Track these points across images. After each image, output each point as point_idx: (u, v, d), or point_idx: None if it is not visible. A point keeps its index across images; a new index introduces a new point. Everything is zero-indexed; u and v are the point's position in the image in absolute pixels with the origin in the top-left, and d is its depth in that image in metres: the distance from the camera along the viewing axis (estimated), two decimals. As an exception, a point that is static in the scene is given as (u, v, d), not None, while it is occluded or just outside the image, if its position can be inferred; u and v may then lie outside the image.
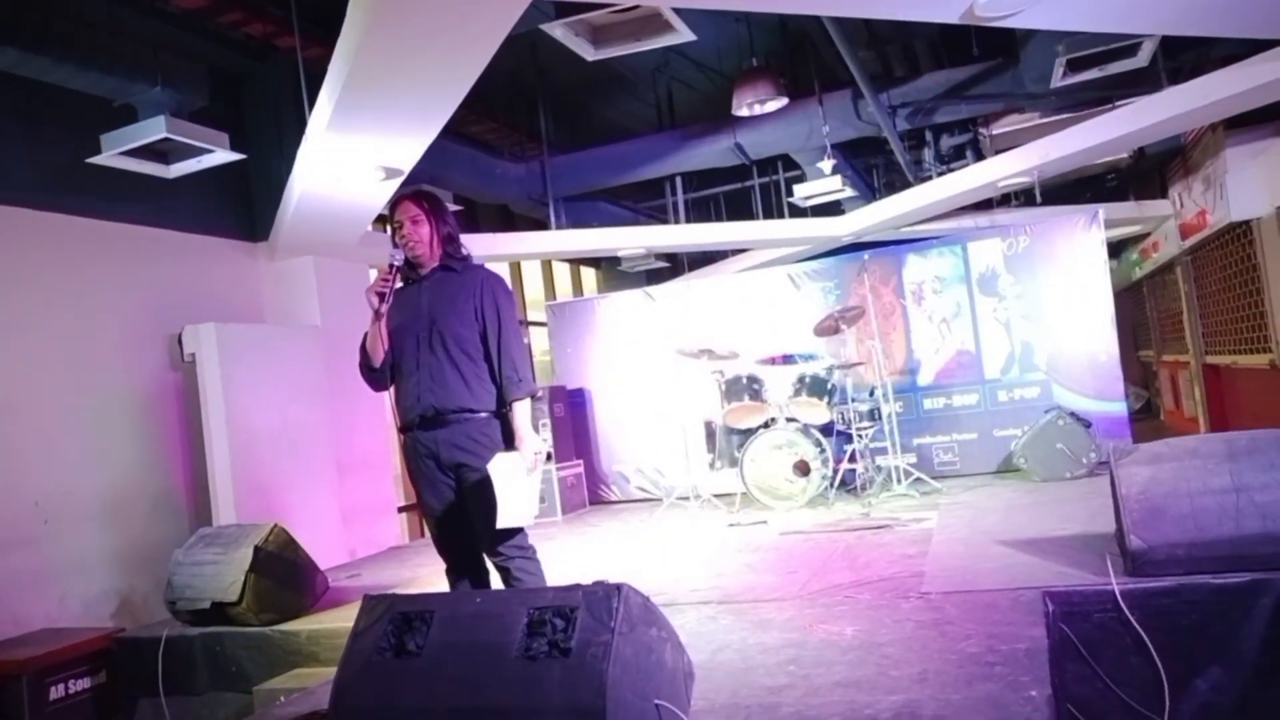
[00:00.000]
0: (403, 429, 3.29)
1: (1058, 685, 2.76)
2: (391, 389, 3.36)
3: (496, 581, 3.33)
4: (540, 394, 7.78)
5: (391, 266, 3.22)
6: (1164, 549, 3.35)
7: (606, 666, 2.15)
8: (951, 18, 4.34)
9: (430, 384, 3.17)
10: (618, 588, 2.28)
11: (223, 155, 5.30)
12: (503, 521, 3.02)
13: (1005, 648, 2.88)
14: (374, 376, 3.34)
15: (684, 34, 4.79)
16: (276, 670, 4.45)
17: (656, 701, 2.29)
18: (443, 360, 3.18)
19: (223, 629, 4.64)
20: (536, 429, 7.43)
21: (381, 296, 3.19)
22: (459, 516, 3.22)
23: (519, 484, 3.07)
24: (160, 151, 5.25)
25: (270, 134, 6.67)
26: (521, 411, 3.21)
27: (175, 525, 6.06)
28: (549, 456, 7.68)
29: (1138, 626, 3.27)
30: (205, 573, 4.66)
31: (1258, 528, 3.24)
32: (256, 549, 4.62)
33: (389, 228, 3.36)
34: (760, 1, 4.25)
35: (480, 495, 3.10)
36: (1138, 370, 13.82)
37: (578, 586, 2.32)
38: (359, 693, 2.35)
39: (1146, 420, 12.83)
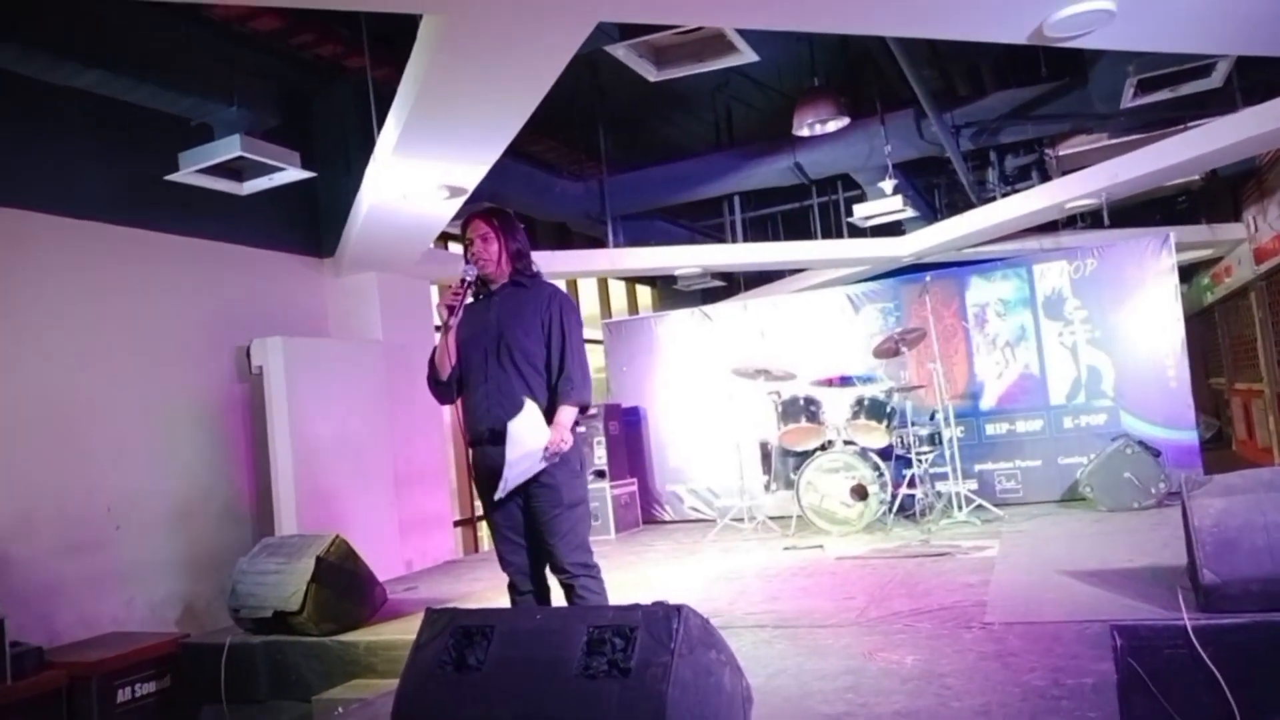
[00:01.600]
0: (472, 443, 3.32)
1: (1127, 722, 2.68)
2: (459, 402, 3.40)
3: (559, 598, 3.35)
4: (595, 411, 7.80)
5: (463, 281, 3.29)
6: (1238, 584, 3.24)
7: (666, 688, 2.14)
8: (1020, 38, 4.29)
9: (499, 397, 3.21)
10: (678, 609, 2.27)
11: (294, 173, 5.44)
12: (508, 480, 3.08)
13: (1071, 682, 2.81)
14: (441, 390, 3.38)
15: (747, 55, 4.80)
16: (335, 680, 4.51)
17: (714, 725, 2.27)
18: (510, 374, 3.22)
19: (284, 638, 4.71)
20: (591, 446, 7.56)
21: (451, 310, 3.24)
22: (524, 531, 3.26)
23: (531, 449, 3.11)
24: (234, 169, 5.40)
25: (338, 152, 6.83)
26: (565, 412, 3.21)
27: (239, 533, 6.20)
28: (602, 474, 7.70)
29: (1210, 663, 3.16)
30: (268, 581, 4.75)
31: (1338, 564, 3.12)
32: (318, 559, 4.70)
33: (462, 244, 3.41)
34: (824, 21, 4.23)
35: (548, 513, 3.14)
36: (1208, 398, 13.40)
37: (637, 606, 2.32)
38: (419, 704, 2.38)
39: (1217, 450, 12.41)
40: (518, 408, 3.16)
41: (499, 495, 3.14)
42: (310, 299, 7.11)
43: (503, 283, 3.37)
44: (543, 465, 3.14)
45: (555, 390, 3.24)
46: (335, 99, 6.94)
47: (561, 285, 10.84)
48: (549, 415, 3.20)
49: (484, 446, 3.26)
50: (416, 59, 4.12)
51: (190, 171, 5.24)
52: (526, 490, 3.20)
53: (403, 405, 7.23)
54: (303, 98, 6.99)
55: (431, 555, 7.33)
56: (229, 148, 5.10)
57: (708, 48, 4.81)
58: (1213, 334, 13.75)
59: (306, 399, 6.31)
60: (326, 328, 7.20)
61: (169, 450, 5.83)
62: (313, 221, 7.16)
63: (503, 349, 3.24)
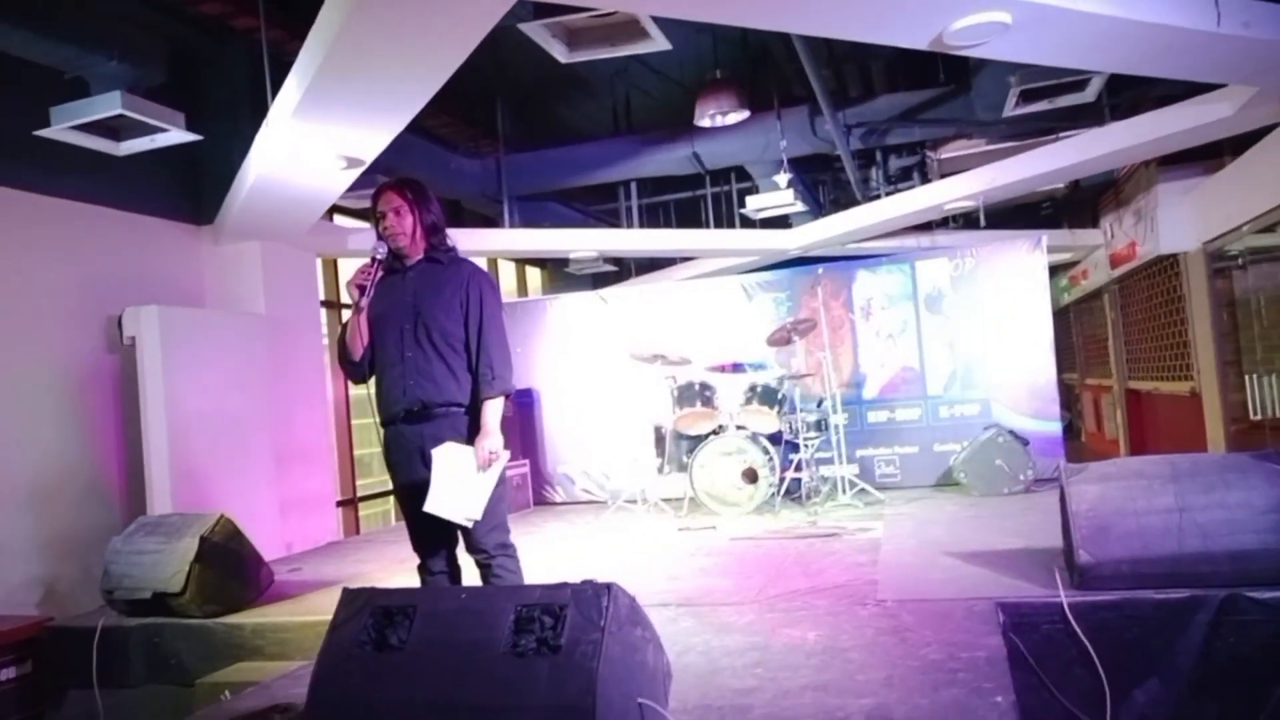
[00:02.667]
0: (386, 422, 3.24)
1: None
2: (372, 380, 3.30)
3: (471, 578, 3.32)
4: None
5: (374, 259, 3.18)
6: (1110, 564, 3.49)
7: (596, 665, 2.16)
8: (921, 43, 4.47)
9: (417, 377, 3.14)
10: (608, 586, 2.29)
11: (178, 135, 5.15)
12: (429, 507, 3.00)
13: (965, 655, 2.97)
14: (353, 369, 3.28)
15: (659, 42, 4.82)
16: (218, 664, 4.34)
17: (640, 700, 2.31)
18: (429, 353, 3.15)
19: (162, 620, 4.51)
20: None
21: (362, 289, 3.15)
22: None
23: (463, 477, 3.04)
24: (112, 128, 5.07)
25: (222, 115, 6.49)
26: (492, 409, 3.18)
27: (106, 513, 5.87)
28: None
29: (1084, 638, 3.40)
30: (145, 562, 4.53)
31: (1198, 546, 3.40)
32: (202, 539, 4.50)
33: (372, 218, 3.29)
34: (737, 14, 4.30)
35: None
36: (1061, 392, 14.31)
37: (566, 585, 2.33)
38: (338, 685, 2.32)
39: (1068, 441, 13.28)
40: (440, 389, 3.12)
41: (428, 507, 3.03)
42: (187, 267, 6.77)
43: (418, 259, 3.27)
44: (479, 500, 3.08)
45: (476, 374, 3.19)
46: (224, 60, 6.62)
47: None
48: (471, 404, 3.17)
49: (399, 425, 3.20)
50: (326, 19, 3.97)
51: (63, 128, 4.90)
52: None
53: (284, 382, 6.97)
54: (189, 57, 6.61)
55: (313, 537, 7.10)
56: (108, 104, 4.78)
57: (621, 32, 4.79)
58: (1067, 333, 14.70)
59: (182, 372, 6.00)
60: (203, 298, 6.86)
61: (27, 424, 5.45)
62: (192, 186, 6.80)
63: (420, 327, 3.16)
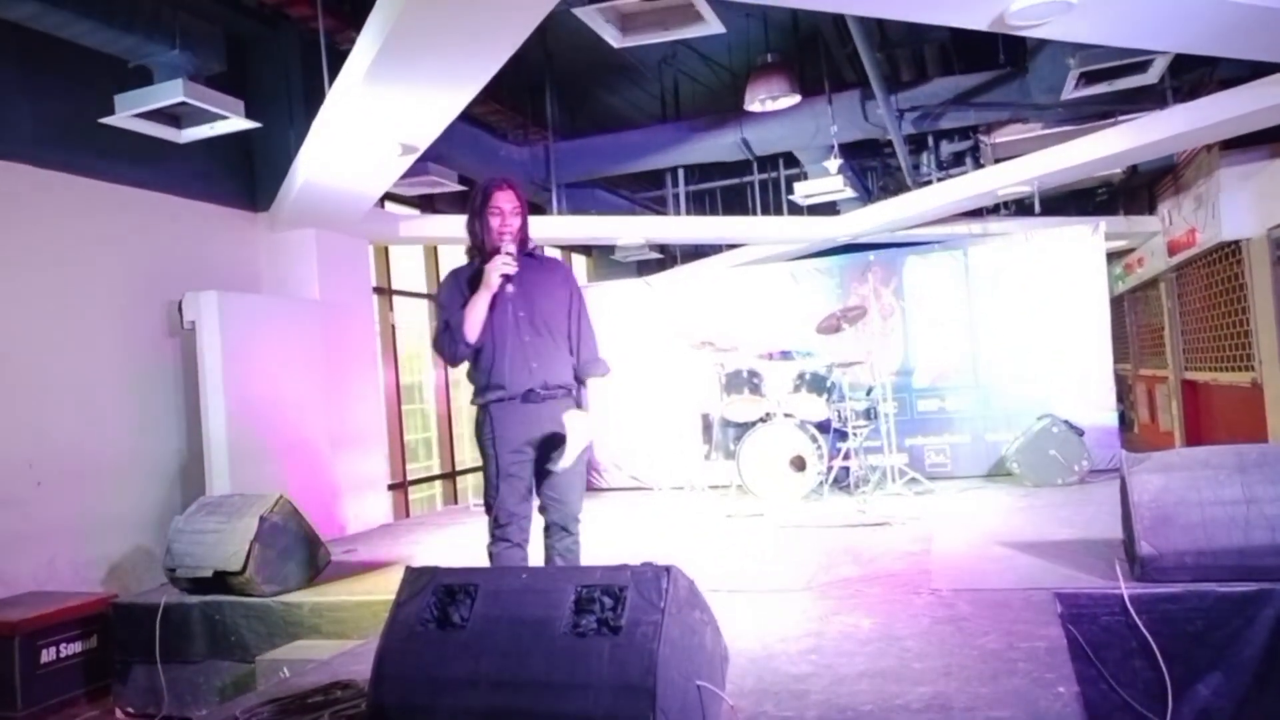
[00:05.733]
0: (504, 399, 3.37)
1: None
2: (476, 362, 3.46)
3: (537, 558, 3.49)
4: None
5: (512, 254, 3.35)
6: (1173, 556, 3.43)
7: (657, 646, 2.17)
8: (982, 24, 4.39)
9: (540, 361, 3.38)
10: (667, 569, 2.30)
11: (237, 122, 5.25)
12: (567, 463, 3.29)
13: (1025, 645, 2.94)
14: (463, 350, 3.40)
15: (713, 25, 4.78)
16: (277, 641, 4.45)
17: (698, 683, 2.32)
18: (546, 340, 3.41)
19: (223, 598, 4.62)
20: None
21: (508, 278, 3.33)
22: (529, 489, 3.42)
23: (583, 442, 3.35)
24: (174, 115, 5.18)
25: (279, 103, 6.60)
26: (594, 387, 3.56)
27: (169, 493, 6.02)
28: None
29: (1144, 630, 3.35)
30: (207, 541, 4.63)
31: (1266, 539, 3.33)
32: (261, 519, 4.60)
33: (485, 211, 3.39)
34: (796, -3, 4.26)
35: (568, 468, 3.33)
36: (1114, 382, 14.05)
37: (626, 567, 2.34)
38: (403, 661, 2.36)
39: (1122, 433, 13.03)
40: (557, 373, 3.42)
41: (565, 465, 3.29)
42: (244, 254, 6.89)
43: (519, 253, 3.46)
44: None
45: (578, 362, 3.52)
46: (279, 48, 6.71)
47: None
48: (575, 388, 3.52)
49: (516, 403, 3.36)
50: (383, 8, 4.00)
51: (127, 115, 5.01)
52: (545, 445, 3.35)
53: (338, 367, 7.09)
54: (245, 46, 6.73)
55: (365, 519, 7.22)
56: (171, 92, 4.89)
57: (674, 15, 4.76)
58: (1121, 322, 14.39)
59: (241, 356, 6.13)
60: (259, 284, 6.99)
61: (95, 405, 5.61)
62: (248, 173, 6.93)
63: (537, 317, 3.41)
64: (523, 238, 3.44)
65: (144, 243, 6.05)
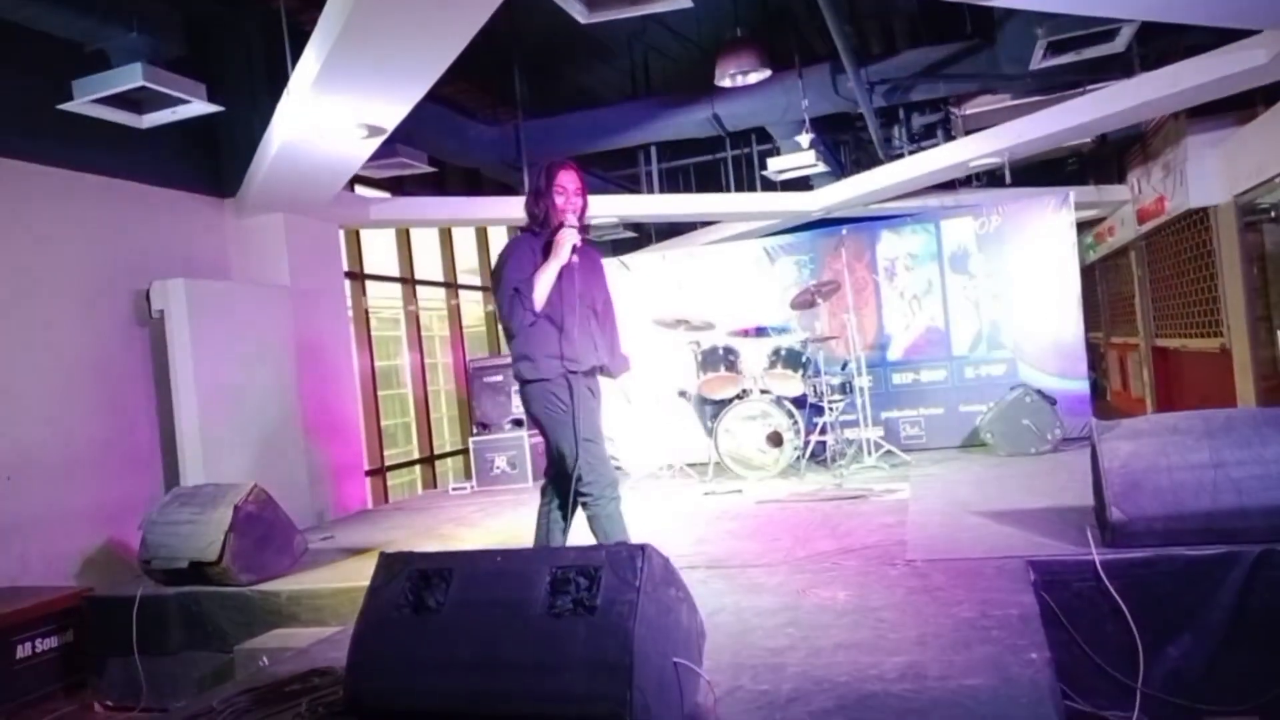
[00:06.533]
0: (571, 372, 3.52)
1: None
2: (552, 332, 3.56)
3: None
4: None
5: (575, 227, 3.51)
6: (1142, 521, 3.47)
7: (633, 624, 2.17)
8: (950, -6, 4.38)
9: (598, 340, 3.64)
10: (641, 548, 2.31)
11: (200, 106, 5.14)
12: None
13: (998, 613, 2.98)
14: (528, 317, 3.48)
15: (681, 0, 4.74)
16: (255, 630, 4.42)
17: (675, 659, 2.33)
18: (599, 324, 3.66)
19: (200, 589, 4.58)
20: (509, 395, 7.60)
21: (576, 250, 3.47)
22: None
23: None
24: (134, 100, 5.06)
25: (242, 86, 6.49)
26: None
27: (141, 484, 5.96)
28: (520, 423, 7.69)
29: (1116, 595, 3.39)
30: (182, 532, 4.60)
31: (1233, 502, 3.37)
32: (236, 508, 4.57)
33: (550, 190, 3.52)
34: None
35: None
36: (1086, 351, 14.21)
37: (601, 546, 2.35)
38: (378, 647, 2.35)
39: (1094, 401, 13.17)
40: (601, 354, 3.67)
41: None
42: (211, 240, 6.80)
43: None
44: None
45: (613, 347, 3.79)
46: (242, 30, 6.58)
47: (471, 232, 10.68)
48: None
49: (579, 376, 3.55)
50: (343, -13, 3.93)
51: (85, 101, 4.90)
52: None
53: (311, 353, 7.03)
54: (205, 27, 6.59)
55: (342, 506, 7.19)
56: (130, 76, 4.78)
57: (641, -10, 4.72)
58: (1092, 291, 14.53)
59: (211, 345, 6.06)
60: (228, 271, 6.90)
61: (63, 397, 5.52)
62: (214, 159, 6.82)
63: (591, 302, 3.61)
64: (583, 220, 3.56)
65: (110, 231, 5.95)
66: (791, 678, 2.61)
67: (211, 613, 4.55)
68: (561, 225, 3.48)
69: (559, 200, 3.50)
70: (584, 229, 3.58)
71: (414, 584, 2.41)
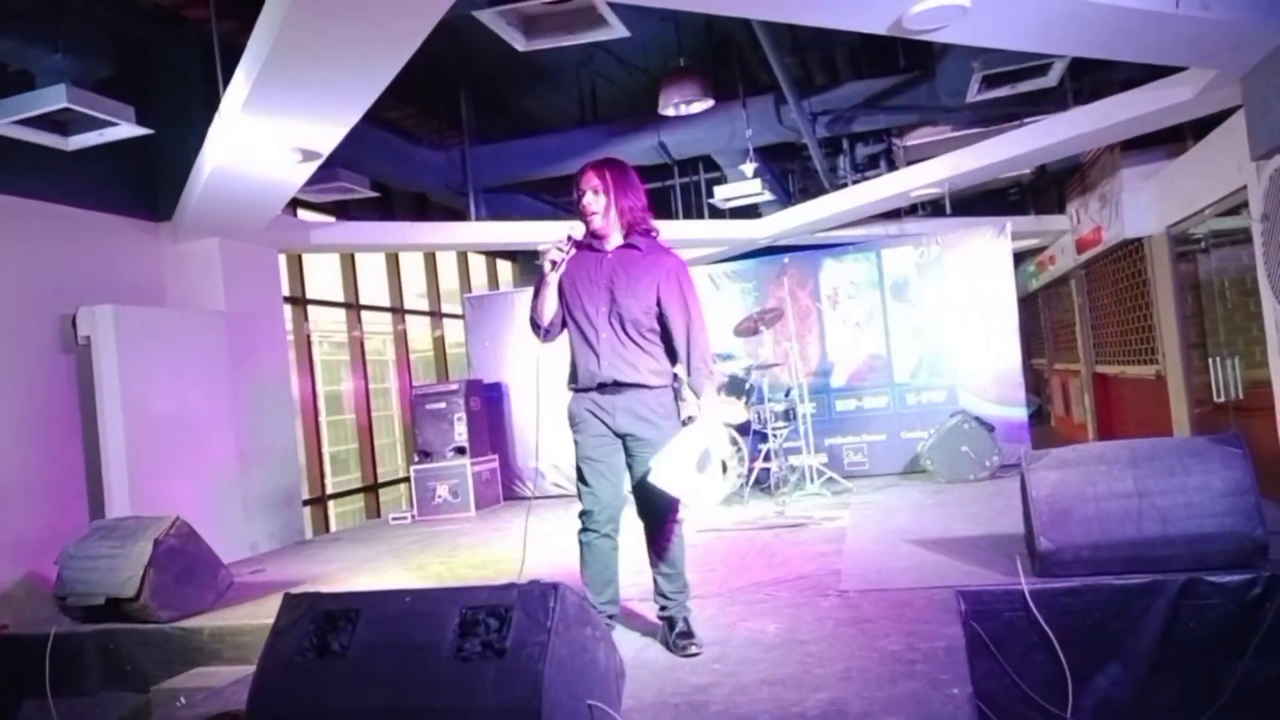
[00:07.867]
0: (580, 390, 3.35)
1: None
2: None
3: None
4: (456, 387, 7.72)
5: (569, 238, 3.28)
6: (1070, 550, 3.49)
7: (542, 667, 2.11)
8: (881, 28, 4.43)
9: (611, 357, 3.26)
10: (554, 586, 2.25)
11: (127, 129, 5.03)
12: (654, 478, 3.14)
13: (924, 645, 2.96)
14: (543, 334, 3.38)
15: (617, 29, 4.74)
16: (176, 669, 4.26)
17: (589, 702, 2.27)
18: (623, 336, 3.28)
19: (117, 626, 4.42)
20: (451, 423, 7.42)
21: (554, 264, 3.25)
22: (617, 477, 3.37)
23: (686, 458, 3.15)
24: (59, 122, 4.94)
25: (177, 109, 6.36)
26: (712, 401, 3.32)
27: (65, 517, 5.74)
28: (463, 450, 7.57)
29: (1044, 624, 3.40)
30: (100, 567, 4.43)
31: (1157, 530, 3.41)
32: (156, 542, 4.42)
33: (574, 194, 3.36)
34: (694, 1, 4.25)
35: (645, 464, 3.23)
36: (1030, 378, 14.40)
37: (513, 585, 2.28)
38: (278, 694, 2.26)
39: (1038, 426, 13.35)
40: (633, 369, 3.25)
41: (651, 480, 3.17)
42: (145, 265, 6.64)
43: (619, 243, 3.33)
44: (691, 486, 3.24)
45: (689, 370, 3.30)
46: (176, 51, 6.47)
47: (419, 258, 10.56)
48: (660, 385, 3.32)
49: (592, 394, 3.31)
50: (270, 10, 3.87)
51: (7, 122, 4.76)
52: (627, 442, 3.30)
53: (247, 380, 6.87)
54: (140, 49, 6.47)
55: (279, 536, 7.01)
56: (53, 98, 4.65)
57: (578, 20, 4.71)
58: (1036, 318, 14.79)
59: (140, 372, 5.90)
60: (163, 296, 6.74)
61: (-19, 427, 5.33)
62: (148, 182, 6.67)
63: (614, 312, 3.27)
64: (629, 220, 3.30)
65: (34, 255, 5.78)
66: (713, 716, 2.56)
67: (130, 651, 4.38)
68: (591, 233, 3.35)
69: (580, 204, 3.33)
70: (631, 230, 3.30)
71: (319, 626, 2.33)
